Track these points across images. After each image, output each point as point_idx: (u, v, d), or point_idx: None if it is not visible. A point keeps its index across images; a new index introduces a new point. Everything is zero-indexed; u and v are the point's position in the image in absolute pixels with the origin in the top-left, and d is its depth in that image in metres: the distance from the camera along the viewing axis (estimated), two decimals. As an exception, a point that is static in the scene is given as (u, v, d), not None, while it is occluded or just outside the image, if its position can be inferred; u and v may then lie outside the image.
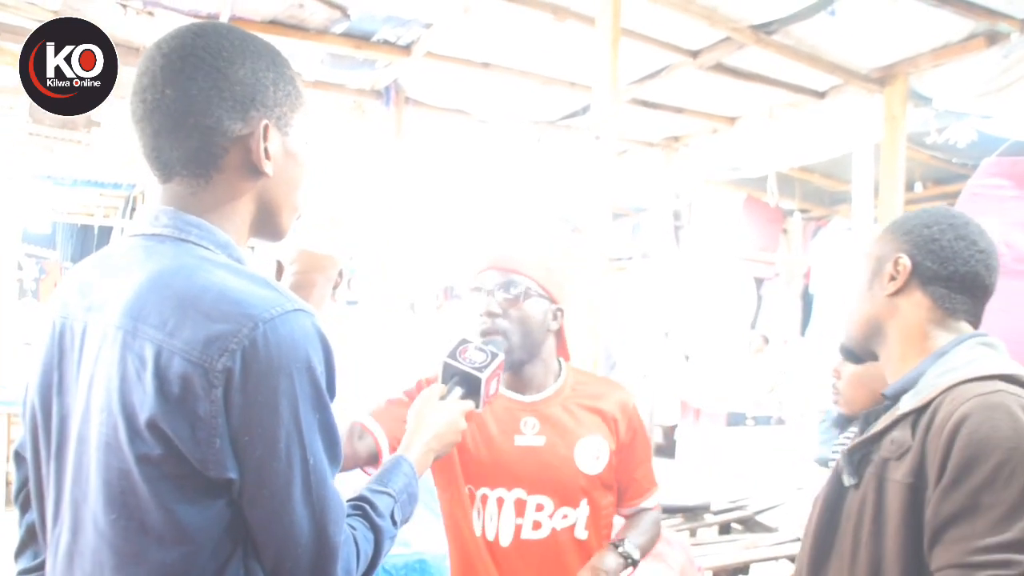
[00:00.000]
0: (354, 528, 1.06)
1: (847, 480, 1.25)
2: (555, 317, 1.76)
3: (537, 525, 1.67)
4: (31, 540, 1.24)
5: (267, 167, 1.04)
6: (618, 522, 1.82)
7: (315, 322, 0.97)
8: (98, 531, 0.96)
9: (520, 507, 1.68)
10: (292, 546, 0.96)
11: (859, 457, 1.25)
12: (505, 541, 1.68)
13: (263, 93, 1.03)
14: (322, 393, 0.97)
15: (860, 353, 1.40)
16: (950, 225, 1.30)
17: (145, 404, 0.91)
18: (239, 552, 0.96)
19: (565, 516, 1.68)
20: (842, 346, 1.42)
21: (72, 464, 1.01)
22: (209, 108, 0.99)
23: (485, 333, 1.68)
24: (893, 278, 1.31)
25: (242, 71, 1.01)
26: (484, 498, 1.69)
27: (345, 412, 1.42)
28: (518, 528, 1.68)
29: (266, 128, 1.03)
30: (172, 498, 0.92)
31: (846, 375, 1.98)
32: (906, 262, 1.29)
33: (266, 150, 1.03)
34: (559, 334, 1.81)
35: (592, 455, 1.71)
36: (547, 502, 1.68)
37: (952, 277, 1.28)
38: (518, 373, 1.75)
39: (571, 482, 1.68)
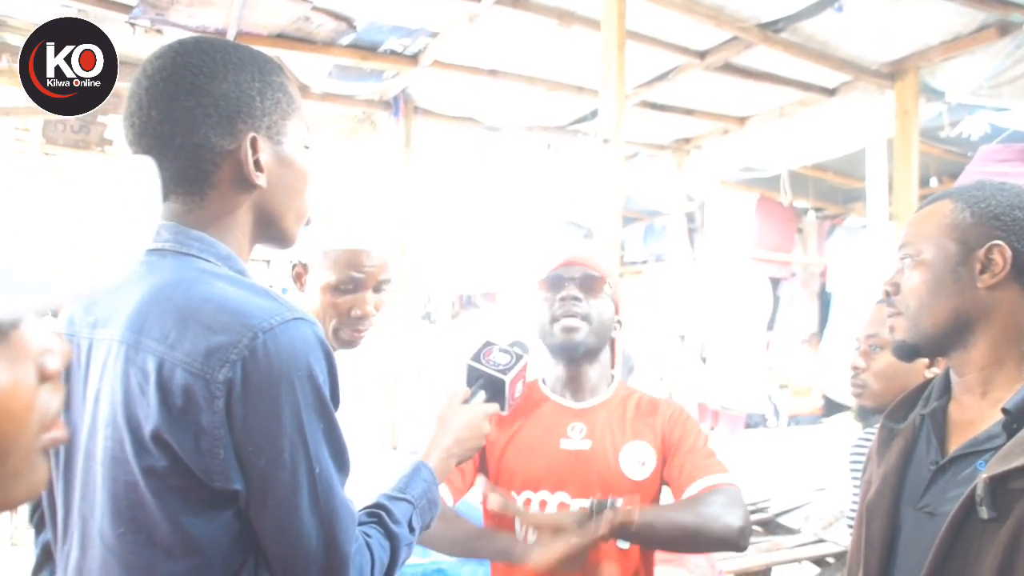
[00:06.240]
0: (369, 536, 1.04)
1: (985, 513, 1.06)
2: (615, 326, 1.78)
3: None
4: (47, 560, 1.24)
5: (259, 179, 1.03)
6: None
7: (316, 330, 0.96)
8: (106, 546, 0.96)
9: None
10: (301, 556, 0.95)
11: (1001, 488, 1.05)
12: None
13: (249, 105, 1.02)
14: (325, 401, 0.96)
15: (930, 351, 1.23)
16: None
17: (149, 417, 0.91)
18: (250, 563, 0.96)
19: None
20: (903, 343, 1.24)
21: (80, 480, 1.01)
22: (195, 126, 0.99)
23: (564, 317, 1.69)
24: (985, 268, 1.15)
25: (225, 85, 1.00)
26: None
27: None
28: None
29: (254, 140, 1.02)
30: (179, 510, 0.92)
31: (876, 368, 1.91)
32: (1006, 251, 1.14)
33: (256, 162, 1.02)
34: (613, 347, 1.82)
35: (638, 460, 1.68)
36: None
37: None
38: (579, 371, 1.75)
39: (615, 487, 1.63)
